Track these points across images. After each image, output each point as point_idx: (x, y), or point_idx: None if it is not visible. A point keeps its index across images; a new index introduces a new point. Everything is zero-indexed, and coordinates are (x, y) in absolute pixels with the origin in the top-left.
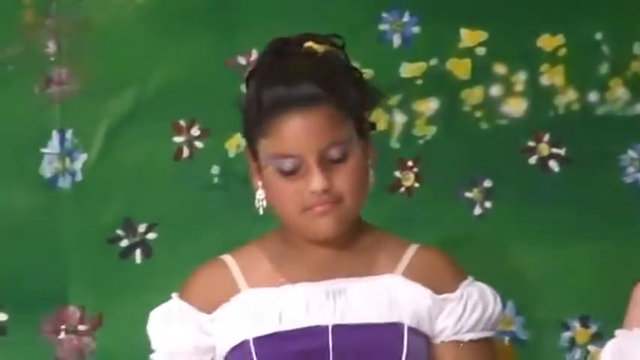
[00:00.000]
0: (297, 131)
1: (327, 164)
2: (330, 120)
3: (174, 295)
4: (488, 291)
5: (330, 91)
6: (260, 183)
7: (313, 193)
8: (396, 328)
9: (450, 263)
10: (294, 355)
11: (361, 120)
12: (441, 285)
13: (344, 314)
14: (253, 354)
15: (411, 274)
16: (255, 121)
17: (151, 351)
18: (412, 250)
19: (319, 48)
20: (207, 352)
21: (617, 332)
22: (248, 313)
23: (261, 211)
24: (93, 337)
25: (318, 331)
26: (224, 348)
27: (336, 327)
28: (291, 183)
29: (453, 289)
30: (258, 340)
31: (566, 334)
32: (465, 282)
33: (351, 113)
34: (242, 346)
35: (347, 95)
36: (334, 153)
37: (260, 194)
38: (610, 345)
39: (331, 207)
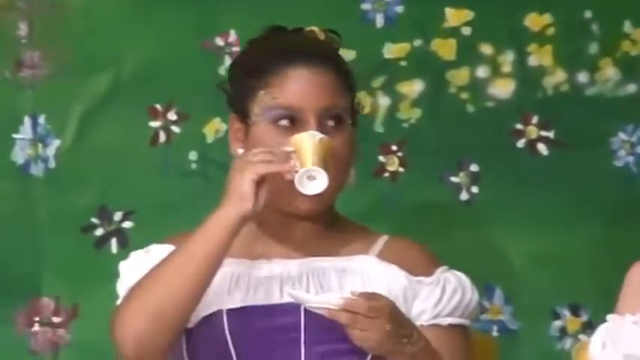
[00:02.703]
0: (302, 84)
1: (322, 127)
2: (334, 85)
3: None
4: (465, 279)
5: (336, 61)
6: (240, 150)
7: None
8: None
9: (424, 250)
10: (266, 331)
11: (353, 105)
12: (415, 269)
13: (317, 292)
14: (225, 326)
15: (384, 257)
16: (257, 71)
17: None
18: (384, 237)
19: (320, 34)
20: None
21: (609, 317)
22: (223, 280)
23: None
24: (67, 329)
25: (290, 309)
26: (194, 316)
27: None
28: (285, 138)
29: (428, 274)
30: (231, 312)
31: (557, 323)
32: (441, 268)
33: (349, 91)
34: (214, 316)
35: (347, 74)
36: (332, 117)
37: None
38: (601, 330)
39: None
